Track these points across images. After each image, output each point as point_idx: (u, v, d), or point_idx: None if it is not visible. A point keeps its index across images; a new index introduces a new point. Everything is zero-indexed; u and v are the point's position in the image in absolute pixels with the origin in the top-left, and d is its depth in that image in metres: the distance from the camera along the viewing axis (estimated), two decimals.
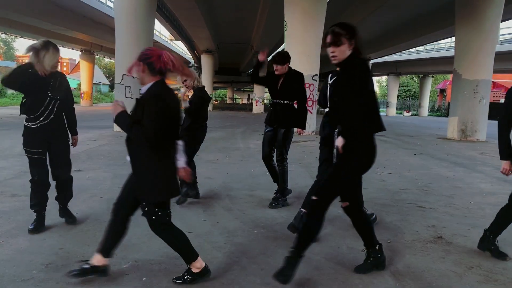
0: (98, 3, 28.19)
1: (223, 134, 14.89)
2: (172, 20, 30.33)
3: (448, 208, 5.05)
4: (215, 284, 2.82)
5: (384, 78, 71.99)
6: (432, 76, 56.00)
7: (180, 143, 2.74)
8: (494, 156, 10.07)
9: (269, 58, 15.17)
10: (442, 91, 61.12)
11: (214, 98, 45.35)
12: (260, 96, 42.17)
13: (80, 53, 43.45)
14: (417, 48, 44.36)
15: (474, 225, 4.36)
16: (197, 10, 24.04)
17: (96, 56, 47.06)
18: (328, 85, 3.96)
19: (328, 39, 2.73)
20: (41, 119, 3.72)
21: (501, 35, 37.04)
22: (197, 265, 2.78)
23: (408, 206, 5.08)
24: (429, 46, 43.65)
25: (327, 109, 4.10)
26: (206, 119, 5.28)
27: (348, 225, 4.28)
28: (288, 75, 4.78)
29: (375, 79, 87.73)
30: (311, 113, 14.30)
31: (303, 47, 13.83)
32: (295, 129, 5.03)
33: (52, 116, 3.77)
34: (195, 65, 57.22)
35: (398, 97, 66.11)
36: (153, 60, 2.58)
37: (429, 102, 58.91)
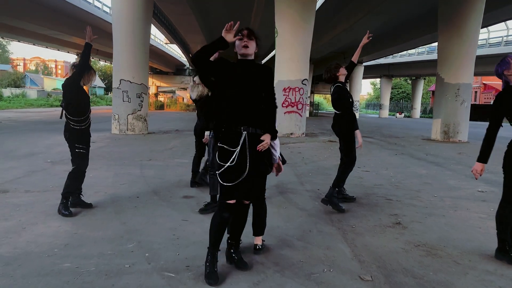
0: (94, 9, 28.79)
1: None
2: (167, 24, 30.98)
3: (413, 201, 5.72)
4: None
5: (378, 80, 72.95)
6: (424, 78, 56.93)
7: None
8: (470, 156, 10.78)
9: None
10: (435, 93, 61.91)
11: None
12: None
13: (76, 56, 43.89)
14: (409, 51, 45.24)
15: (431, 214, 5.04)
16: (191, 16, 24.71)
17: (91, 59, 47.55)
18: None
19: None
20: (87, 121, 4.78)
21: (490, 38, 38.11)
22: None
23: (378, 199, 5.75)
24: (420, 49, 44.52)
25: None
26: None
27: (320, 211, 4.97)
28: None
29: (368, 81, 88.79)
30: (301, 116, 14.95)
31: (293, 53, 14.52)
32: None
33: (90, 119, 4.86)
34: (190, 68, 57.86)
35: (391, 99, 67.03)
36: None
37: (421, 104, 59.85)
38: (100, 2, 30.22)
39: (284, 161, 3.62)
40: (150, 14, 15.78)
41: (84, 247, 3.64)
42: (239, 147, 2.92)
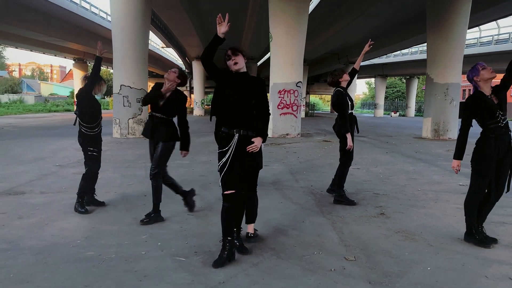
0: (91, 15, 29.26)
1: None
2: (164, 29, 31.47)
3: (398, 194, 6.24)
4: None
5: (373, 79, 73.68)
6: (418, 77, 57.64)
7: None
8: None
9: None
10: None
11: (205, 103, 46.43)
12: None
13: (73, 62, 44.34)
14: (402, 51, 45.86)
15: (413, 205, 5.56)
16: (187, 20, 25.20)
17: (88, 64, 47.96)
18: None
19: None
20: (99, 126, 5.26)
21: (481, 37, 38.74)
22: None
23: (365, 193, 6.26)
24: (413, 49, 45.15)
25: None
26: None
27: (312, 205, 5.47)
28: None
29: (363, 80, 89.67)
30: (296, 117, 15.47)
31: (287, 57, 15.04)
32: None
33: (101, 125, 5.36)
34: (187, 70, 58.37)
35: (386, 98, 67.72)
36: None
37: (416, 102, 60.56)
38: (97, 8, 30.71)
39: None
40: (148, 21, 16.26)
41: (103, 239, 4.12)
42: (232, 147, 3.44)
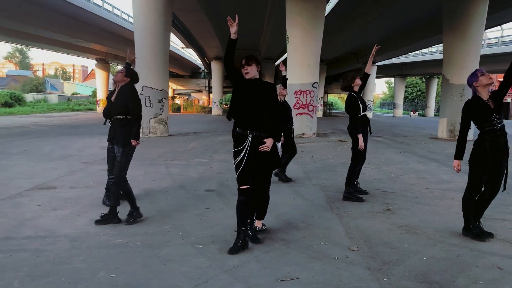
0: (114, 16, 30.06)
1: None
2: (184, 30, 32.10)
3: (406, 192, 6.53)
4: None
5: (392, 79, 73.20)
6: (438, 77, 57.11)
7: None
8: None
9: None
10: None
11: (224, 103, 47.01)
12: None
13: (95, 62, 45.40)
14: (422, 50, 45.57)
15: (419, 202, 5.86)
16: (207, 22, 25.74)
17: (109, 64, 48.98)
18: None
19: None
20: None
21: (502, 36, 38.26)
22: None
23: (375, 191, 6.57)
24: (433, 48, 44.80)
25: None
26: None
27: (322, 201, 5.82)
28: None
29: (382, 80, 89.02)
30: (312, 117, 15.79)
31: (303, 58, 15.38)
32: None
33: None
34: (205, 71, 59.07)
35: (406, 98, 67.20)
36: None
37: (436, 102, 60.00)
38: (119, 10, 31.52)
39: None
40: (169, 24, 16.80)
41: (130, 229, 4.56)
42: (246, 146, 3.83)
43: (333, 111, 58.02)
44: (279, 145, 4.15)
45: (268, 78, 42.77)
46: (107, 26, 29.91)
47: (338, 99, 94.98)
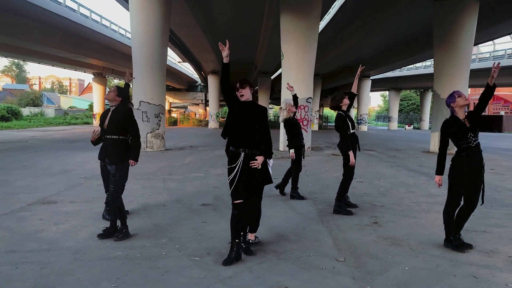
0: (112, 32, 30.55)
1: None
2: (180, 45, 32.61)
3: (394, 206, 6.80)
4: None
5: (387, 92, 73.89)
6: (432, 91, 57.74)
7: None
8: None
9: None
10: None
11: (220, 116, 47.35)
12: None
13: (92, 76, 45.80)
14: (416, 64, 46.31)
15: (406, 215, 6.12)
16: (203, 37, 26.19)
17: (106, 78, 49.36)
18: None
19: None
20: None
21: (494, 51, 39.00)
22: None
23: (364, 205, 6.84)
24: (427, 62, 45.55)
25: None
26: None
27: (314, 215, 6.06)
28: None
29: (378, 93, 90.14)
30: (306, 131, 16.09)
31: (298, 74, 15.75)
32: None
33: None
34: (202, 84, 59.56)
35: (401, 111, 67.87)
36: None
37: (430, 115, 60.56)
38: (116, 25, 32.01)
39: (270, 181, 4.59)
40: (166, 40, 17.14)
41: (129, 242, 4.80)
42: (239, 163, 4.10)
43: (329, 124, 58.43)
44: (271, 162, 4.41)
45: (264, 92, 43.24)
46: (105, 41, 30.34)
47: (334, 113, 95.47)
